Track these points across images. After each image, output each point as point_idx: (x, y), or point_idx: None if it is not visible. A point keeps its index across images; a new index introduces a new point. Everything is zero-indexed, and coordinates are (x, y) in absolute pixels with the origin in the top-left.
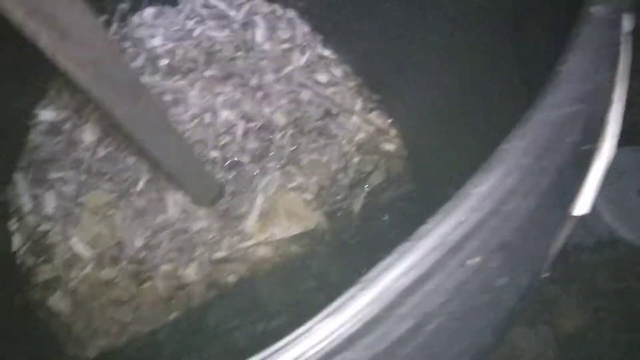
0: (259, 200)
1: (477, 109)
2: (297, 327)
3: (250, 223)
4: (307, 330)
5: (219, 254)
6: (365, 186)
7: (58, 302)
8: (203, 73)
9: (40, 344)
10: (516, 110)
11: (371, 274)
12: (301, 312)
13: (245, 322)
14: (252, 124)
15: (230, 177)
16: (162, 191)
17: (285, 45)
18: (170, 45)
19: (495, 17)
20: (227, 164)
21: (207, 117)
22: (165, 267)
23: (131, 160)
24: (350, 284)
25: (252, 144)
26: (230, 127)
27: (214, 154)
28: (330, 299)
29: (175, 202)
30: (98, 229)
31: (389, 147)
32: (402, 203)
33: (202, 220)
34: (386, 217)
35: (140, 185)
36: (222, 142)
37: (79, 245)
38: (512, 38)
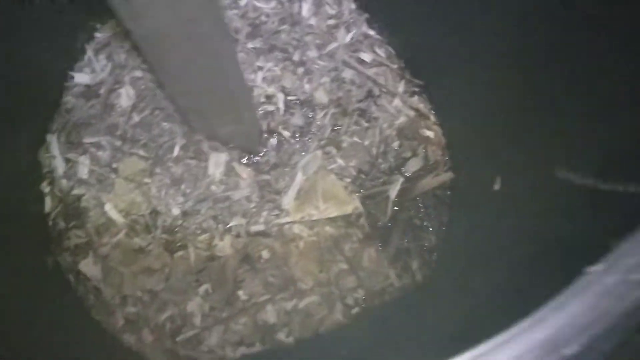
0: (299, 177)
1: (527, 109)
2: (326, 307)
3: (288, 200)
4: None
5: (256, 227)
6: (403, 172)
7: (89, 266)
8: (246, 44)
9: (68, 308)
10: (568, 113)
11: None
12: (331, 293)
13: (275, 298)
14: (292, 98)
15: (271, 147)
16: (202, 155)
17: (331, 22)
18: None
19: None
20: (268, 133)
21: (249, 80)
22: (201, 237)
23: (167, 125)
24: (382, 271)
25: (294, 120)
26: (271, 98)
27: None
28: (361, 282)
29: (216, 164)
30: (132, 196)
31: (429, 133)
32: (439, 191)
33: (244, 189)
34: (421, 205)
35: (177, 150)
36: (265, 110)
37: (113, 212)
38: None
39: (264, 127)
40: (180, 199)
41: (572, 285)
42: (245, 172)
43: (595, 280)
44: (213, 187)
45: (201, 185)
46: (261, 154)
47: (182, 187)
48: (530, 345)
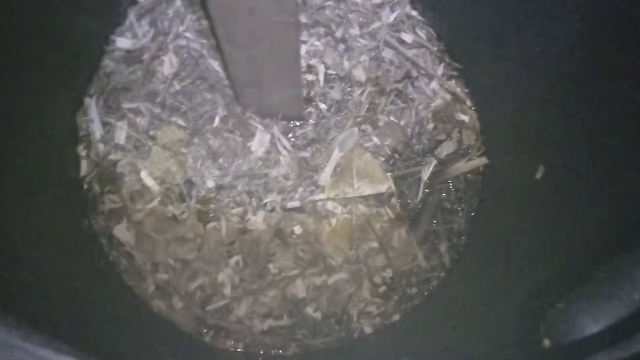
0: (335, 154)
1: (564, 94)
2: (355, 283)
3: (325, 176)
4: None
5: (292, 204)
6: (436, 154)
7: (122, 232)
8: None
9: (100, 271)
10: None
11: None
12: (360, 270)
13: (305, 274)
14: (332, 72)
15: (310, 120)
16: (244, 130)
17: (377, 1)
18: None
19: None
20: (307, 102)
21: None
22: (234, 211)
23: (208, 95)
24: (410, 251)
25: (332, 93)
26: (312, 69)
27: None
28: (390, 261)
29: (261, 141)
30: (168, 165)
31: (464, 117)
32: (471, 176)
33: (283, 167)
34: (452, 188)
35: (217, 121)
36: (306, 80)
37: (148, 179)
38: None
39: (304, 94)
40: (217, 172)
41: None
42: (286, 150)
43: None
44: (252, 164)
45: (239, 161)
46: (303, 124)
47: (220, 160)
48: None
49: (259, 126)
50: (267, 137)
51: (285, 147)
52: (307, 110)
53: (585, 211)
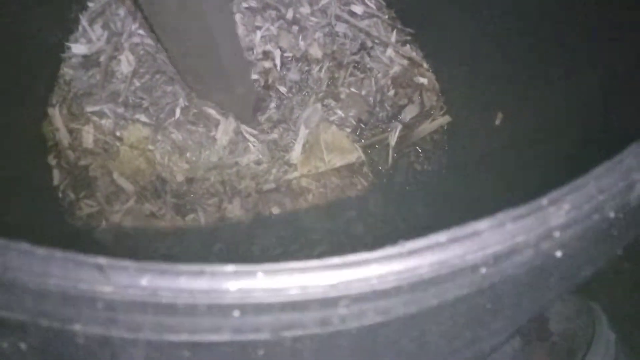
0: (302, 131)
1: (516, 42)
2: (338, 254)
3: (295, 155)
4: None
5: (267, 186)
6: (401, 119)
7: (103, 234)
8: (240, 4)
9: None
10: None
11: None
12: (342, 240)
13: (288, 250)
14: (288, 55)
15: (272, 104)
16: (206, 121)
17: None
18: None
19: None
20: (266, 89)
21: (247, 42)
22: (210, 201)
23: (168, 88)
24: (388, 216)
25: (290, 75)
26: (268, 54)
27: (255, 76)
28: (369, 228)
29: (225, 130)
30: (137, 163)
31: (423, 80)
32: (436, 135)
33: (253, 153)
34: (420, 150)
35: (178, 113)
36: (263, 68)
37: (121, 180)
38: None
39: (262, 83)
40: (186, 166)
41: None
42: (253, 136)
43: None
44: (220, 153)
45: (206, 152)
46: (265, 110)
47: (187, 155)
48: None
49: (220, 117)
50: (232, 125)
51: (251, 134)
52: (267, 97)
53: (542, 148)
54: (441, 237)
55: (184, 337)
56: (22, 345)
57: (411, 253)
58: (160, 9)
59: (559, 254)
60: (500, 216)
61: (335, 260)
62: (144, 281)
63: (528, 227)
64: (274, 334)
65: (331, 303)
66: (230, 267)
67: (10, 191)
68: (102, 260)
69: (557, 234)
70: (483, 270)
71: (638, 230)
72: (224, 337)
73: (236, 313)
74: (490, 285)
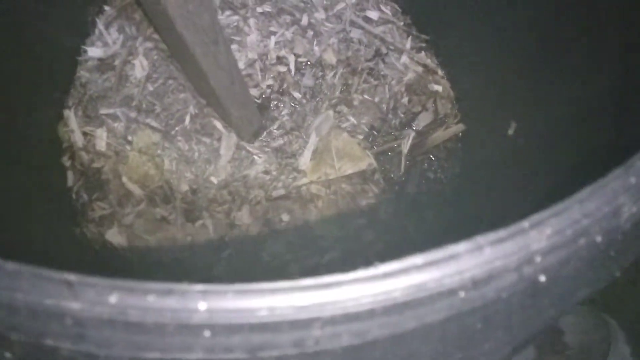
0: (312, 138)
1: (532, 51)
2: (348, 261)
3: (304, 161)
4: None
5: (276, 193)
6: (414, 127)
7: (115, 236)
8: (255, 9)
9: (97, 276)
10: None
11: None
12: (351, 247)
13: (298, 257)
14: (303, 60)
15: (284, 111)
16: (214, 133)
17: None
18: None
19: None
20: (282, 95)
21: (261, 47)
22: (218, 208)
23: (180, 95)
24: (399, 223)
25: (305, 80)
26: (282, 59)
27: (269, 82)
28: (380, 235)
29: (227, 146)
30: (145, 169)
31: (437, 87)
32: (450, 143)
33: (259, 165)
34: (434, 158)
35: (187, 121)
36: (277, 72)
37: (129, 184)
38: None
39: (276, 88)
40: (191, 177)
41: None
42: (257, 149)
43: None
44: (227, 170)
45: (211, 168)
46: (278, 117)
47: (193, 169)
48: (623, 189)
49: (223, 130)
50: (233, 140)
51: (253, 147)
52: (280, 103)
53: (554, 155)
54: (417, 259)
55: (155, 355)
56: (8, 355)
57: (386, 275)
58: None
59: (542, 278)
60: (479, 240)
61: (308, 281)
62: (113, 298)
63: (508, 252)
64: (250, 354)
65: (303, 325)
66: (199, 287)
67: (25, 191)
68: (71, 276)
69: (538, 258)
70: (462, 294)
71: (636, 253)
72: (197, 356)
73: (207, 333)
74: (472, 309)
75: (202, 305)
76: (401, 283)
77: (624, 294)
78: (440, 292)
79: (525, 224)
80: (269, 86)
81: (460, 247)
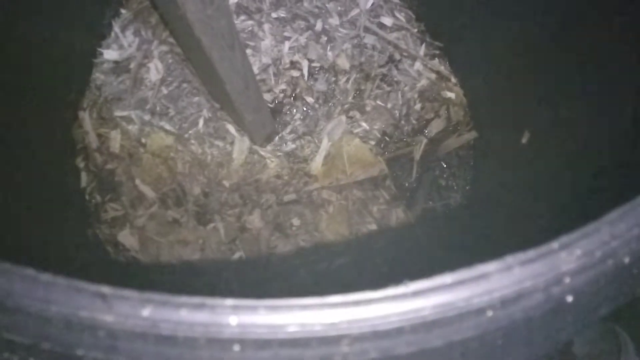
0: (324, 143)
1: (547, 60)
2: (357, 267)
3: (316, 165)
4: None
5: (288, 197)
6: (426, 133)
7: (127, 237)
8: (270, 14)
9: (109, 278)
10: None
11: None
12: (361, 253)
13: (308, 261)
14: (316, 65)
15: (297, 115)
16: (227, 136)
17: None
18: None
19: None
20: (295, 100)
21: (275, 52)
22: (230, 212)
23: (194, 98)
24: (410, 230)
25: (318, 85)
26: (296, 64)
27: (283, 86)
28: (390, 242)
29: (240, 150)
30: (159, 171)
31: (450, 94)
32: (462, 151)
33: (272, 169)
34: (445, 165)
35: (201, 125)
36: (290, 77)
37: (142, 186)
38: None
39: (289, 93)
40: (203, 180)
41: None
42: (270, 153)
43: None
44: (239, 173)
45: (224, 171)
46: (290, 121)
47: (205, 172)
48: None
49: (236, 134)
50: (246, 144)
51: (265, 151)
52: (293, 107)
53: (568, 166)
54: (447, 278)
55: None
56: None
57: (415, 294)
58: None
59: (570, 298)
60: (509, 260)
61: (337, 298)
62: (146, 312)
63: (537, 272)
64: None
65: (332, 341)
66: (230, 301)
67: (40, 191)
68: (105, 289)
69: (567, 279)
70: (490, 313)
71: None
72: None
73: (237, 347)
74: (498, 328)
75: (233, 320)
76: (430, 302)
77: (635, 305)
78: (468, 312)
79: (555, 244)
80: (282, 91)
81: (490, 266)
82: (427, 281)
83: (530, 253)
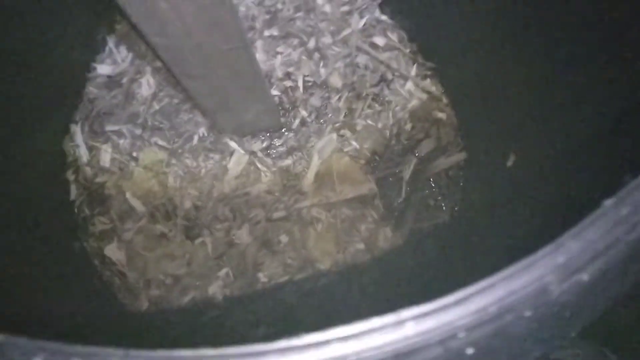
0: (315, 160)
1: (537, 85)
2: (344, 286)
3: (307, 183)
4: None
5: (278, 214)
6: (416, 153)
7: (114, 251)
8: (263, 32)
9: (94, 291)
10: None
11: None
12: (348, 271)
13: (294, 279)
14: (310, 80)
15: (294, 124)
16: (223, 150)
17: (345, 8)
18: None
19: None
20: (290, 110)
21: (267, 65)
22: (218, 226)
23: (186, 114)
24: (397, 250)
25: (313, 100)
26: (290, 75)
27: (277, 92)
28: (377, 261)
29: (238, 161)
30: (149, 185)
31: (441, 115)
32: (452, 171)
33: (264, 183)
34: (434, 185)
35: (195, 140)
36: (284, 87)
37: (133, 200)
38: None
39: (286, 101)
40: (195, 193)
41: (588, 216)
42: (266, 166)
43: (610, 212)
44: (232, 185)
45: (218, 184)
46: (284, 133)
47: (198, 184)
48: (550, 268)
49: (237, 147)
50: (245, 157)
51: (264, 164)
52: (288, 118)
53: (552, 190)
54: (340, 331)
55: None
56: None
57: (305, 347)
58: (181, 56)
59: (470, 351)
60: (403, 314)
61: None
62: None
63: (431, 327)
64: None
65: None
66: (121, 352)
67: (28, 203)
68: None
69: (462, 334)
70: None
71: (589, 317)
72: None
73: None
74: None
75: None
76: (315, 357)
77: (625, 329)
78: None
79: (450, 298)
80: (277, 97)
81: (384, 320)
82: (318, 334)
83: (425, 306)
